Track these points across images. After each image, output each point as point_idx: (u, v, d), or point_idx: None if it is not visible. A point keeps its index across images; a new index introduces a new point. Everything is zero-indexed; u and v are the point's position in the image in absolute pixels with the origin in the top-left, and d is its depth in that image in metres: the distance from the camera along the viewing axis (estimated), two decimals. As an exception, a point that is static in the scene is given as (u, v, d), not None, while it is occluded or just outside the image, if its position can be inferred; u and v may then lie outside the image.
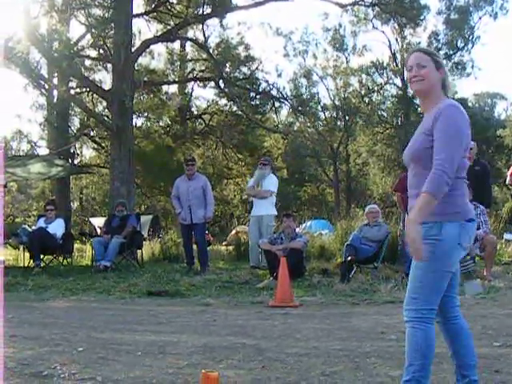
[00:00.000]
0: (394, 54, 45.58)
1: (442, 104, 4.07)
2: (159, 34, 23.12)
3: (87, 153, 40.26)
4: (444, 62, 4.32)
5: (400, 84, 45.56)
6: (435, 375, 4.88)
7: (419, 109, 44.31)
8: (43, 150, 34.48)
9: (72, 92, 25.83)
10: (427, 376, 4.04)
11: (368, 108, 46.08)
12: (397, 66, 45.25)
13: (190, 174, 14.11)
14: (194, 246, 14.44)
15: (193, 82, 32.44)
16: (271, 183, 14.36)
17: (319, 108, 46.17)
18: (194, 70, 30.61)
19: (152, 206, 37.96)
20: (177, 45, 31.28)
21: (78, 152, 35.68)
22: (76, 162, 32.22)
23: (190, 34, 26.48)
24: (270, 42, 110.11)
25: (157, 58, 31.04)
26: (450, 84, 4.30)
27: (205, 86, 31.37)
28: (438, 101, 4.13)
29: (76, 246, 17.60)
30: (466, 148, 4.03)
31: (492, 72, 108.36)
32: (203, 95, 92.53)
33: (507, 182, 14.29)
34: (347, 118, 48.15)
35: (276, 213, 14.40)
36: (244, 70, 27.97)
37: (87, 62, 26.04)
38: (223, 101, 32.10)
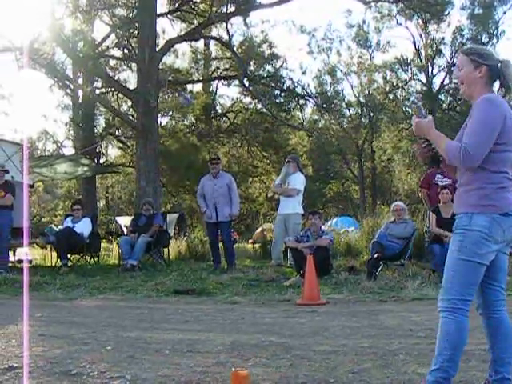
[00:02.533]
0: (418, 50, 45.30)
1: (478, 100, 4.11)
2: (183, 33, 23.12)
3: (113, 152, 40.48)
4: (492, 57, 4.25)
5: (424, 80, 45.29)
6: (464, 372, 4.86)
7: (444, 105, 44.23)
8: (69, 150, 34.73)
9: (97, 92, 25.95)
10: (455, 367, 4.06)
11: (393, 104, 45.88)
12: (421, 61, 44.98)
13: (214, 173, 14.13)
14: (221, 245, 14.46)
15: (217, 81, 32.48)
16: (298, 181, 14.35)
17: (344, 105, 46.12)
18: (218, 68, 30.63)
19: (178, 205, 38.06)
20: (201, 44, 31.37)
21: (104, 151, 35.90)
22: (102, 161, 32.43)
23: (214, 32, 26.49)
24: (293, 40, 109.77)
25: (181, 57, 31.21)
26: (507, 73, 4.23)
27: (229, 85, 31.44)
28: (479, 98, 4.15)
29: (103, 245, 17.68)
30: (506, 141, 4.03)
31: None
32: (228, 93, 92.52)
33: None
34: (372, 114, 47.98)
35: (302, 211, 14.39)
36: (268, 67, 27.98)
37: (112, 62, 26.21)
38: (248, 99, 32.16)
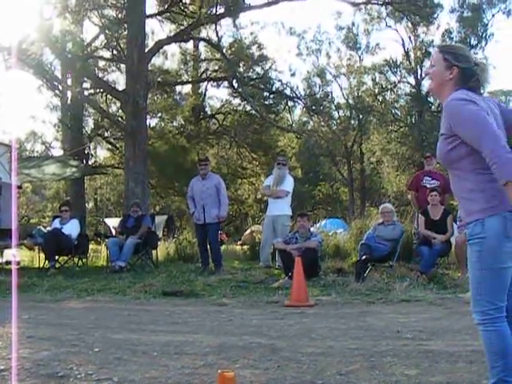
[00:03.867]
0: (407, 53, 45.44)
1: (448, 101, 4.02)
2: (172, 34, 23.12)
3: (101, 153, 40.47)
4: (468, 56, 4.17)
5: (413, 82, 45.43)
6: (451, 374, 4.88)
7: (433, 107, 44.37)
8: (57, 151, 34.74)
9: (86, 93, 25.91)
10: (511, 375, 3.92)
11: (382, 106, 46.02)
12: (410, 64, 45.12)
13: (203, 174, 14.13)
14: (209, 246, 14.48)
15: (206, 82, 32.41)
16: (287, 183, 14.37)
17: (333, 107, 46.22)
18: (207, 69, 30.63)
19: (167, 207, 38.05)
20: (190, 45, 31.28)
21: (92, 153, 35.82)
22: (90, 162, 32.34)
23: (204, 34, 26.45)
24: (283, 42, 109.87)
25: (170, 59, 31.17)
26: (482, 76, 4.18)
27: (218, 86, 31.36)
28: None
29: (91, 246, 17.66)
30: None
31: (506, 69, 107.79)
32: (217, 95, 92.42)
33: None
34: (361, 116, 48.09)
35: (291, 213, 14.40)
36: (257, 69, 28.01)
37: (101, 63, 26.17)
38: (237, 100, 32.10)
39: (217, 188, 13.96)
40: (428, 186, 13.14)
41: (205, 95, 35.26)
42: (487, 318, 3.95)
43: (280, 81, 28.05)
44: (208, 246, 14.34)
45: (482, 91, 4.21)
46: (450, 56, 4.17)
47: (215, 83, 30.64)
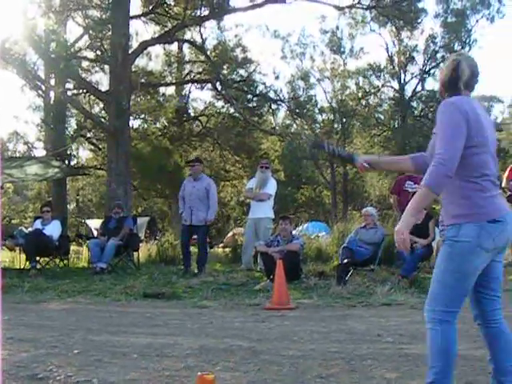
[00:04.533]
0: (391, 57, 45.55)
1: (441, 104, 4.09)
2: (157, 35, 23.08)
3: (84, 154, 40.38)
4: (454, 58, 4.23)
5: (397, 87, 45.56)
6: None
7: (416, 111, 44.53)
8: (40, 152, 34.62)
9: (69, 93, 25.77)
10: (449, 378, 4.01)
11: (365, 110, 46.12)
12: (394, 68, 45.26)
13: (194, 175, 14.12)
14: (193, 248, 14.45)
15: (190, 84, 32.39)
16: (270, 186, 14.36)
17: (316, 110, 46.24)
18: (191, 71, 30.61)
19: (149, 208, 37.99)
20: (174, 46, 31.27)
21: (75, 153, 35.79)
22: (73, 163, 32.22)
23: (188, 35, 26.48)
24: (267, 45, 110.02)
25: (154, 60, 31.10)
26: (467, 77, 4.20)
27: (202, 88, 31.32)
28: None
29: (72, 247, 17.59)
30: (476, 144, 3.96)
31: (489, 75, 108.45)
32: (200, 97, 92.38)
33: (503, 185, 14.34)
34: (344, 120, 48.12)
35: (273, 216, 14.40)
36: (241, 72, 28.05)
37: (84, 64, 26.02)
38: (220, 103, 32.14)
39: (206, 190, 13.90)
40: (410, 190, 13.19)
41: (188, 97, 35.28)
42: (436, 318, 4.03)
43: (264, 84, 28.09)
44: (192, 248, 14.36)
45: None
46: (444, 64, 4.30)
47: (199, 85, 30.59)
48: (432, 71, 43.24)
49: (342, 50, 47.30)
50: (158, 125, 33.96)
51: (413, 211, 3.92)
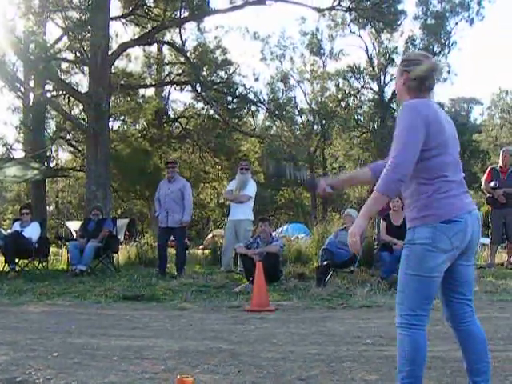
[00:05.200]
0: (370, 59, 45.80)
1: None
2: (136, 37, 23.01)
3: (63, 156, 40.16)
4: (419, 61, 4.22)
5: (377, 88, 45.78)
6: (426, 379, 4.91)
7: (395, 113, 44.70)
8: (19, 153, 34.27)
9: (48, 95, 25.65)
10: (417, 382, 4.02)
11: (345, 112, 46.28)
12: (373, 70, 45.49)
13: (169, 177, 14.12)
14: (171, 250, 14.44)
15: (170, 86, 32.36)
16: (250, 188, 14.39)
17: (296, 112, 46.31)
18: (170, 73, 30.58)
19: (128, 210, 37.88)
20: (154, 48, 31.19)
21: (54, 155, 35.60)
22: (52, 165, 32.10)
23: (168, 37, 26.44)
24: (247, 46, 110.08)
25: (134, 61, 31.00)
26: (431, 80, 4.23)
27: (182, 90, 31.30)
28: None
29: (52, 249, 17.50)
30: (435, 145, 3.98)
31: (468, 77, 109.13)
32: (180, 99, 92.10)
33: (482, 187, 14.45)
34: (324, 122, 48.26)
35: (253, 218, 14.42)
36: (221, 73, 28.00)
37: (64, 65, 25.93)
38: (200, 104, 32.13)
39: (181, 192, 13.91)
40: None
41: (168, 99, 35.23)
42: (404, 323, 4.05)
43: (244, 85, 28.04)
44: (168, 250, 14.36)
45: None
46: (402, 64, 4.31)
47: (178, 87, 30.58)
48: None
49: (322, 51, 47.53)
50: (137, 126, 33.90)
51: (366, 215, 3.98)
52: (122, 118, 32.29)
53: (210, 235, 22.69)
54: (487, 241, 14.88)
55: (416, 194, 4.05)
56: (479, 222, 4.15)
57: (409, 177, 3.93)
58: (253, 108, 29.15)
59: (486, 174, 14.29)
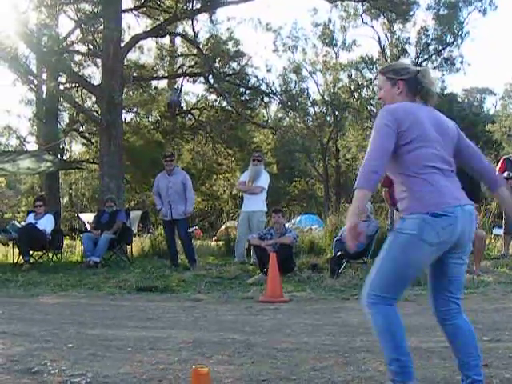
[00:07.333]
0: (383, 49, 45.66)
1: None
2: (149, 29, 23.02)
3: (76, 148, 40.31)
4: (411, 69, 4.36)
5: (390, 79, 45.62)
6: (425, 370, 4.91)
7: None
8: (32, 146, 34.47)
9: (61, 87, 25.72)
10: (404, 353, 4.06)
11: (357, 103, 46.16)
12: (386, 61, 45.24)
13: (169, 170, 14.10)
14: (179, 242, 14.47)
15: (182, 78, 32.34)
16: (263, 179, 14.37)
17: (308, 103, 46.24)
18: (183, 65, 30.52)
19: (142, 202, 37.93)
20: (166, 40, 31.16)
21: (68, 147, 35.74)
22: (65, 157, 32.22)
23: (180, 29, 26.42)
24: (259, 38, 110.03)
25: (146, 53, 30.99)
26: (429, 90, 4.33)
27: (194, 82, 31.26)
28: None
29: (66, 241, 17.55)
30: (414, 137, 4.06)
31: (481, 67, 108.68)
32: (193, 90, 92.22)
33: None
34: (337, 113, 48.18)
35: (266, 209, 14.42)
36: (233, 65, 27.97)
37: (76, 58, 25.97)
38: (213, 96, 32.05)
39: (183, 184, 13.94)
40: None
41: (181, 90, 35.21)
42: (370, 302, 4.13)
43: (256, 77, 28.06)
44: (178, 242, 14.39)
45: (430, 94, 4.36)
46: (392, 73, 4.38)
47: (191, 78, 30.55)
48: (424, 63, 43.28)
49: (334, 42, 47.37)
50: (150, 118, 33.91)
51: (355, 211, 4.01)
52: (134, 109, 32.29)
53: (223, 227, 22.67)
54: (501, 231, 14.82)
55: (406, 186, 4.10)
56: (472, 217, 4.14)
57: (383, 168, 4.03)
58: (265, 99, 29.16)
59: (499, 165, 14.20)
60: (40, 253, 15.10)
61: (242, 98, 28.55)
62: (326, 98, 47.96)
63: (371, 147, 4.05)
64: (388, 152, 4.00)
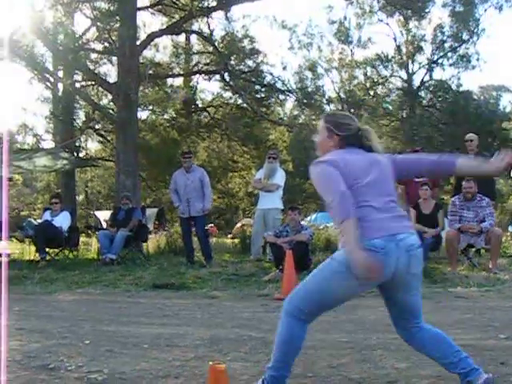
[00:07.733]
0: (398, 47, 45.47)
1: None
2: (164, 26, 23.05)
3: (92, 146, 40.28)
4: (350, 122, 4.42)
5: (405, 76, 45.48)
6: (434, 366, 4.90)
7: (424, 101, 44.42)
8: (48, 144, 34.55)
9: (77, 85, 25.82)
10: (288, 370, 4.19)
11: (373, 101, 46.04)
12: (402, 58, 45.17)
13: (187, 167, 14.12)
14: (195, 239, 14.48)
15: (198, 75, 32.31)
16: (278, 177, 14.38)
17: (324, 101, 46.00)
18: (199, 62, 30.49)
19: (157, 199, 37.98)
20: (182, 38, 31.15)
21: (83, 145, 35.73)
22: (81, 155, 32.27)
23: (195, 26, 26.38)
24: (274, 35, 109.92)
25: (162, 51, 30.95)
26: (373, 146, 4.36)
27: (210, 79, 31.20)
28: None
29: (82, 239, 17.63)
30: (354, 178, 4.10)
31: (497, 64, 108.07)
32: (208, 88, 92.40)
33: (512, 175, 14.30)
34: (352, 110, 48.02)
35: (282, 206, 14.41)
36: (249, 62, 27.90)
37: (92, 55, 26.00)
38: (228, 94, 31.98)
39: (201, 181, 13.97)
40: (417, 180, 13.15)
41: (196, 88, 35.22)
42: (287, 310, 4.21)
43: (271, 74, 27.95)
44: (193, 239, 14.41)
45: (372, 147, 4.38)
46: (332, 125, 4.39)
47: (207, 76, 30.53)
48: (440, 61, 43.17)
49: (350, 40, 47.18)
50: (165, 116, 33.91)
51: (354, 244, 3.88)
52: (150, 107, 32.31)
53: (239, 224, 22.77)
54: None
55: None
56: (412, 250, 4.06)
57: (346, 189, 3.98)
58: (281, 97, 29.09)
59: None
60: (56, 250, 15.17)
61: (258, 96, 28.50)
62: (342, 95, 47.86)
63: (328, 188, 4.05)
64: (346, 188, 3.99)
